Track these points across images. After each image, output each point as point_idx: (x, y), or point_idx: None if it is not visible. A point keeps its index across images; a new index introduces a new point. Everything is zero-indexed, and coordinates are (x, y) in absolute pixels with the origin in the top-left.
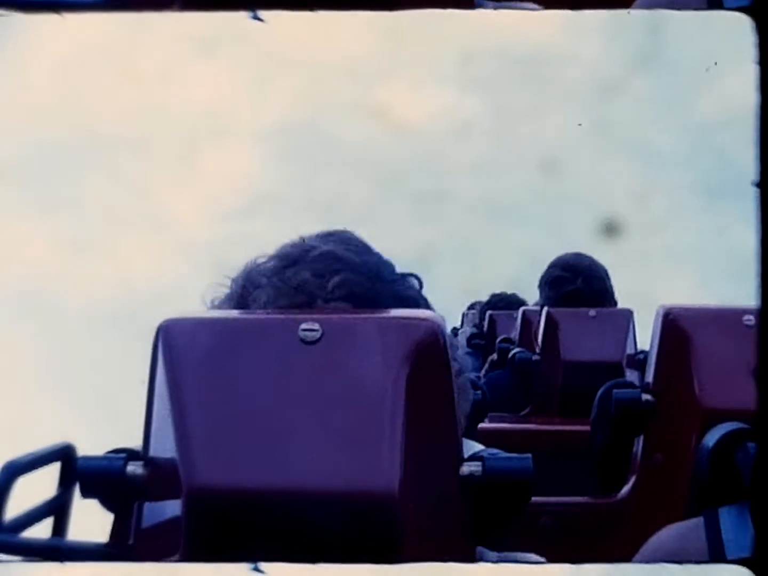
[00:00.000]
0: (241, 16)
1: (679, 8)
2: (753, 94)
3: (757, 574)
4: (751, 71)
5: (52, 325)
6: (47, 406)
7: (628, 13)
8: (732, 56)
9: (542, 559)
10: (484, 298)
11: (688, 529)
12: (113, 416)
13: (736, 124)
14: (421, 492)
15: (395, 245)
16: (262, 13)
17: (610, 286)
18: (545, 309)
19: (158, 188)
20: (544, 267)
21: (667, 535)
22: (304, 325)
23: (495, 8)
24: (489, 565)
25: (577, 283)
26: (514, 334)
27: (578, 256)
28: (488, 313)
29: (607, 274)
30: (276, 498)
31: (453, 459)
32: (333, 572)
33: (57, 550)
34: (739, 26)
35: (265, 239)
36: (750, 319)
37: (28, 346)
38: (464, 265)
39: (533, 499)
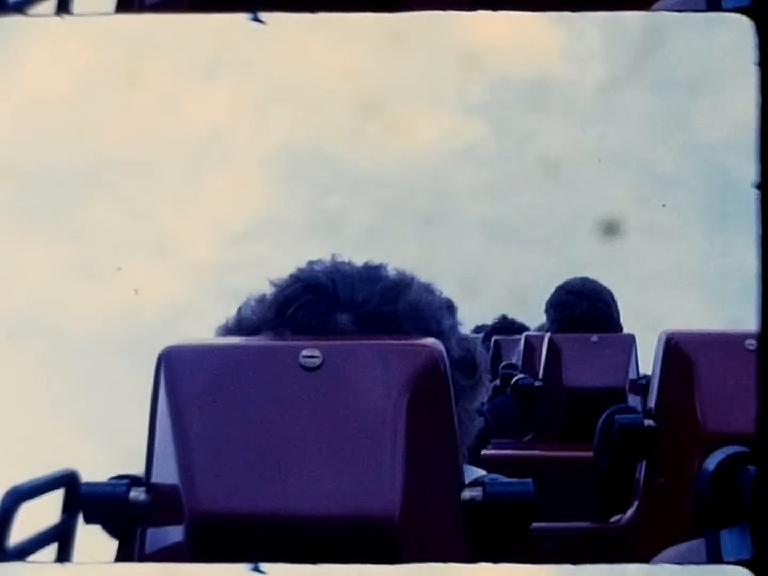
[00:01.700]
0: (242, 33)
1: (679, 9)
2: (754, 103)
3: (756, 574)
4: (750, 77)
5: (58, 349)
6: (53, 430)
7: (628, 15)
8: (733, 59)
9: None
10: (488, 320)
11: (689, 550)
12: (119, 440)
13: (739, 138)
14: (422, 516)
15: (399, 266)
16: (262, 15)
17: (616, 311)
18: (547, 335)
19: (163, 211)
20: (547, 287)
21: (668, 556)
22: (304, 352)
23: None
24: (488, 565)
25: (582, 306)
26: (517, 360)
27: (584, 281)
28: (493, 338)
29: (613, 299)
30: (278, 523)
31: (454, 484)
32: (333, 573)
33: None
34: (739, 28)
35: (270, 262)
36: (752, 344)
37: (33, 370)
38: (468, 286)
39: (536, 524)
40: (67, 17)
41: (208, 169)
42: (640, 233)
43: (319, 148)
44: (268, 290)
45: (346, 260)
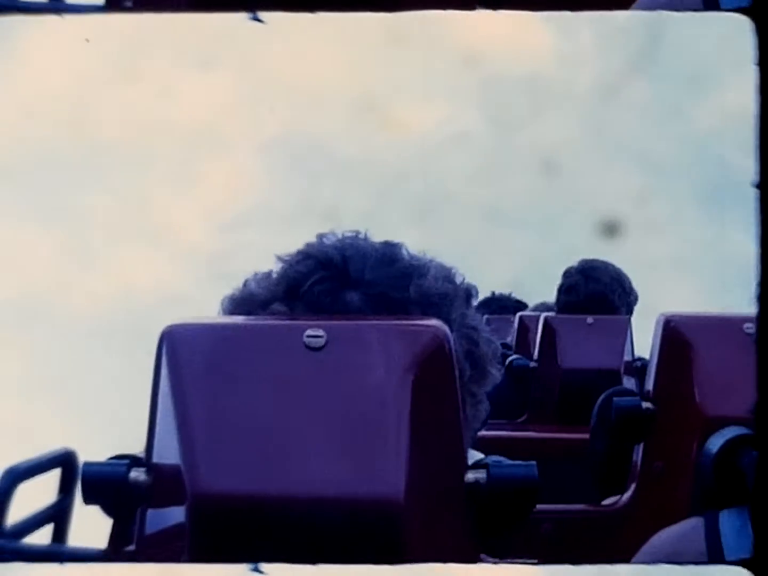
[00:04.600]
0: (240, 27)
1: (677, 9)
2: (752, 98)
3: (756, 574)
4: (749, 74)
5: (53, 335)
6: (48, 414)
7: (626, 14)
8: (731, 59)
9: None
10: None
11: (687, 530)
12: (113, 425)
13: (736, 130)
14: (425, 499)
15: None
16: (262, 15)
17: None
18: (543, 315)
19: (158, 198)
20: (543, 271)
21: (666, 535)
22: (309, 332)
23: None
24: (488, 565)
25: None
26: (511, 340)
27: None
28: (485, 317)
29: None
30: (280, 504)
31: (458, 466)
32: (333, 572)
33: (58, 556)
34: (738, 27)
35: (266, 249)
36: (750, 327)
37: (29, 354)
38: (464, 269)
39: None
40: (61, 14)
41: (204, 157)
42: (636, 221)
43: (315, 137)
44: (275, 266)
45: (363, 235)
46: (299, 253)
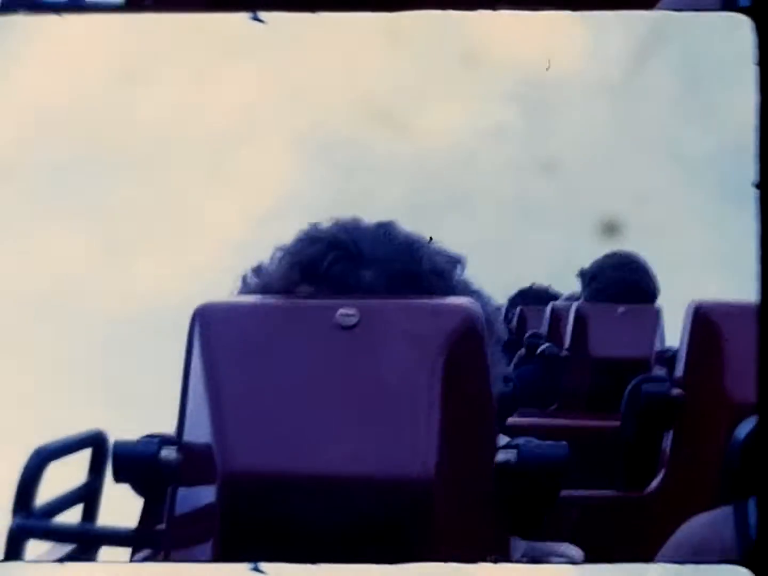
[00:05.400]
0: (276, 18)
1: (680, 9)
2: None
3: (756, 574)
4: (742, 73)
5: (85, 329)
6: (79, 404)
7: (630, 13)
8: (732, 59)
9: (573, 551)
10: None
11: (716, 518)
12: (144, 416)
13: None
14: (456, 479)
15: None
16: (263, 15)
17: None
18: (574, 304)
19: (191, 191)
20: (576, 265)
21: (696, 524)
22: (341, 310)
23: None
24: (503, 565)
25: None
26: (543, 330)
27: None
28: (519, 308)
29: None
30: (311, 483)
31: (488, 446)
32: (336, 572)
33: (87, 535)
34: (739, 27)
35: None
36: None
37: (61, 348)
38: (499, 262)
39: (562, 492)
40: (83, 13)
41: (237, 149)
42: (643, 214)
43: (345, 132)
44: (272, 256)
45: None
46: (302, 239)
